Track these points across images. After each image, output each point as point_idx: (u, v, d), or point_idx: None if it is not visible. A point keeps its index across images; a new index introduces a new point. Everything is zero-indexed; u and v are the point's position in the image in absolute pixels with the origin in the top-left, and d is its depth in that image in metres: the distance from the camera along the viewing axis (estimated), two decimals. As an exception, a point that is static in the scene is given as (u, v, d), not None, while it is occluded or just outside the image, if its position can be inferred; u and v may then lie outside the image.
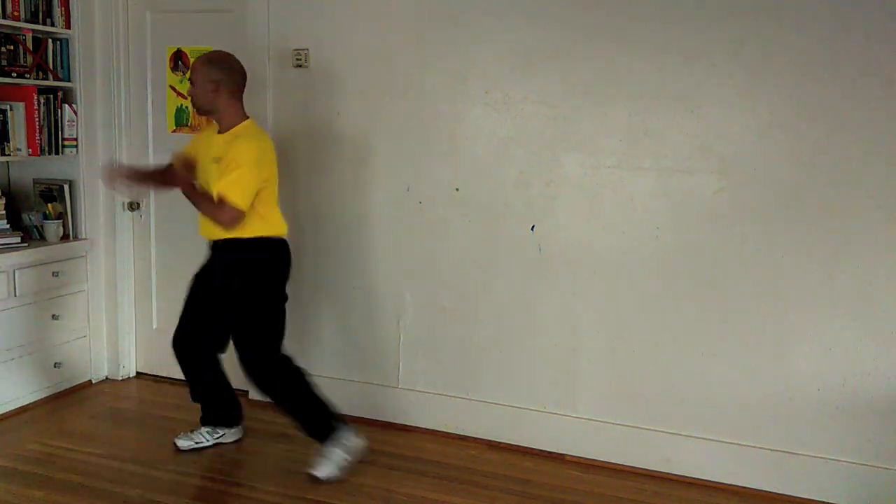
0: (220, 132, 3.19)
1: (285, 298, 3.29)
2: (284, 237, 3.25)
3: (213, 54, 3.21)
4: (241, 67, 3.20)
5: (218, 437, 3.51)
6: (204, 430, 3.50)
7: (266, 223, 3.17)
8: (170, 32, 4.05)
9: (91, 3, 4.02)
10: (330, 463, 3.18)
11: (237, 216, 3.02)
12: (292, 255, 3.32)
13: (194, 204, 3.11)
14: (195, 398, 3.49)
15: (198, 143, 3.32)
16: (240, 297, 3.19)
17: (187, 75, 4.00)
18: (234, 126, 3.16)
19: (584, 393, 3.45)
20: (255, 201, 3.08)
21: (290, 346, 3.85)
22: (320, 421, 3.24)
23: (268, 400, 3.35)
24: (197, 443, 3.47)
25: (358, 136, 3.67)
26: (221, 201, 3.00)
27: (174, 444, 3.47)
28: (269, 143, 3.21)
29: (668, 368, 3.30)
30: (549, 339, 3.47)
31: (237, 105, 3.18)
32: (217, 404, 3.50)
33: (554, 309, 3.45)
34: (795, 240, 3.06)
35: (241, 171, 2.99)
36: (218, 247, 3.23)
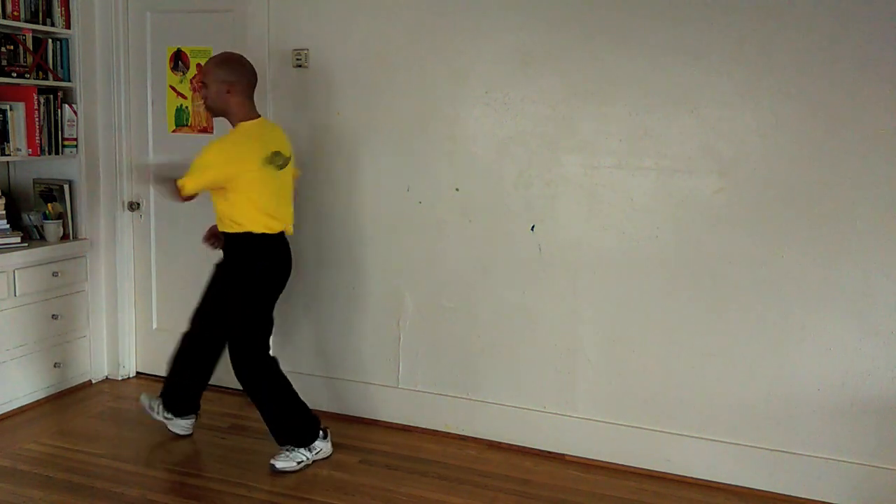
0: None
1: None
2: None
3: (225, 56, 3.22)
4: (252, 68, 3.22)
5: (167, 419, 3.60)
6: (161, 406, 3.59)
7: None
8: (170, 32, 4.04)
9: (91, 3, 4.02)
10: (291, 461, 3.27)
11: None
12: (290, 255, 3.31)
13: None
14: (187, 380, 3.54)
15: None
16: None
17: (188, 75, 4.00)
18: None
19: (584, 393, 3.45)
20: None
21: (290, 346, 3.86)
22: (293, 428, 3.30)
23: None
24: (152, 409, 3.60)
25: (358, 137, 3.67)
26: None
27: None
28: (248, 144, 3.12)
29: (668, 368, 3.30)
30: (549, 339, 3.47)
31: (248, 106, 3.19)
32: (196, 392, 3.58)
33: (554, 309, 3.44)
34: (795, 239, 3.06)
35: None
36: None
